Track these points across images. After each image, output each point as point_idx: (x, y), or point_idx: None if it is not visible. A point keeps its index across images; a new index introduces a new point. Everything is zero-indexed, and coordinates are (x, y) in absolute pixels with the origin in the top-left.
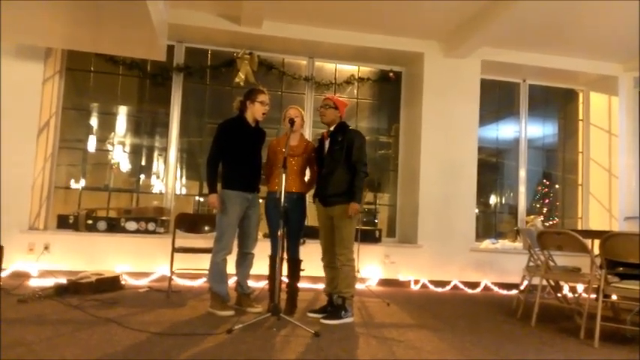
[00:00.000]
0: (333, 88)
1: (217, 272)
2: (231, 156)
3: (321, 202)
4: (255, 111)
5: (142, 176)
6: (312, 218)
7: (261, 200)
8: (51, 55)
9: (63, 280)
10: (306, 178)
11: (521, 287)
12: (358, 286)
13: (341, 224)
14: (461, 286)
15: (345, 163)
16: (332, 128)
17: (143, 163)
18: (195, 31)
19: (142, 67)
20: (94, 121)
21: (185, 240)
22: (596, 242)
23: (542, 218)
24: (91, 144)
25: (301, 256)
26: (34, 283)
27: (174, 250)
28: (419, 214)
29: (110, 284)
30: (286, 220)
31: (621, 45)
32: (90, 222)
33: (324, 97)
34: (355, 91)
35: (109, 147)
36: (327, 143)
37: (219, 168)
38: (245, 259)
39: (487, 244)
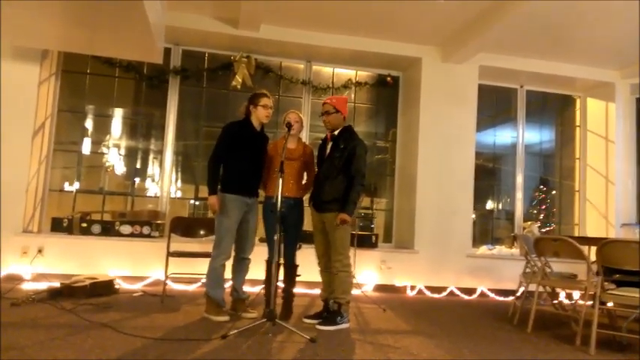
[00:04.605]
0: (331, 92)
1: (215, 277)
2: (233, 159)
3: (314, 207)
4: (259, 114)
5: (137, 179)
6: (308, 223)
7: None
8: (47, 57)
9: (56, 284)
10: (304, 182)
11: (518, 294)
12: (354, 291)
13: (333, 231)
14: (457, 292)
15: (342, 171)
16: (336, 132)
17: (138, 166)
18: (192, 33)
19: (139, 70)
20: (89, 124)
21: (180, 244)
22: (593, 249)
23: (538, 224)
24: (86, 146)
25: (297, 262)
26: (28, 286)
27: (169, 254)
28: (416, 220)
29: (104, 288)
30: (283, 224)
31: (618, 52)
32: (84, 225)
33: (322, 101)
34: (353, 96)
35: (104, 149)
36: (329, 146)
37: (220, 170)
38: (242, 264)
39: (484, 250)
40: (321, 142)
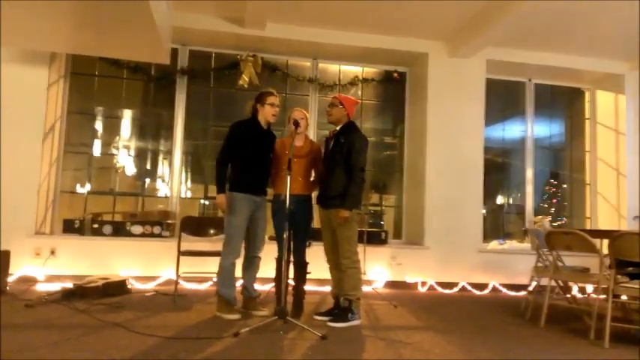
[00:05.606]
0: (337, 89)
1: (226, 276)
2: (241, 158)
3: (320, 204)
4: (266, 113)
5: (147, 180)
6: (317, 220)
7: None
8: (55, 60)
9: (69, 285)
10: (312, 178)
11: (530, 288)
12: (365, 288)
13: (339, 228)
14: (469, 287)
15: (344, 166)
16: (338, 128)
17: (148, 166)
18: (198, 33)
19: (146, 71)
20: (98, 125)
21: (191, 243)
22: (605, 242)
23: (550, 218)
24: (96, 148)
25: (307, 259)
26: (41, 287)
27: (180, 253)
28: (425, 215)
29: (116, 288)
30: (292, 222)
31: (627, 43)
32: (95, 226)
33: (330, 97)
34: (360, 92)
35: (114, 151)
36: (331, 143)
37: (227, 169)
38: (252, 263)
39: (495, 244)
40: (325, 141)
